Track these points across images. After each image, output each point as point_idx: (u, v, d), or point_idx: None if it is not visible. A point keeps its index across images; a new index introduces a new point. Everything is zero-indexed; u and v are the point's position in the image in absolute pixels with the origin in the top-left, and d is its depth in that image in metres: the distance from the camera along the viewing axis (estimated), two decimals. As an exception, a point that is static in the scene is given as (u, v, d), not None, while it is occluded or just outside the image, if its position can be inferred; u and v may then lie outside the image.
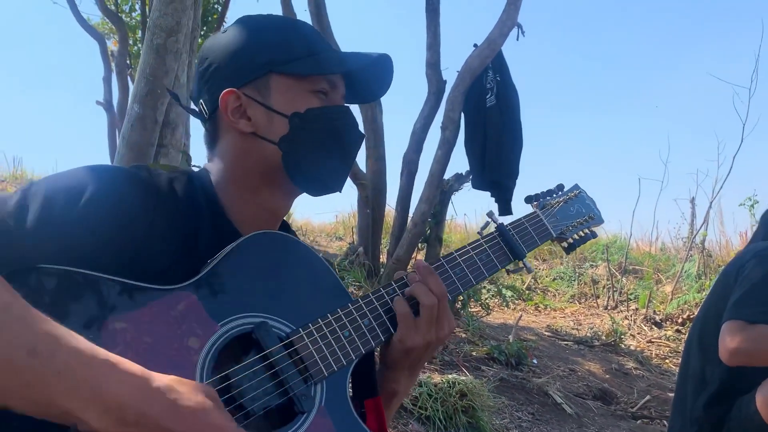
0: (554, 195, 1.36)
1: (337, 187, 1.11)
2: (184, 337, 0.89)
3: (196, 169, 1.13)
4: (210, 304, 0.93)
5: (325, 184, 1.10)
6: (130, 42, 8.21)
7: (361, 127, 1.15)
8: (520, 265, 1.24)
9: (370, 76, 1.13)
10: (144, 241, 0.94)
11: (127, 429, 0.70)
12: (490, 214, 1.27)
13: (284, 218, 1.19)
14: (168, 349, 0.87)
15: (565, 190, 1.39)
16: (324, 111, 1.06)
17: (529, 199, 1.34)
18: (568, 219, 1.33)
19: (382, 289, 1.09)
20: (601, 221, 1.38)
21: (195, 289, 0.93)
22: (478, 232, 1.24)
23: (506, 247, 1.22)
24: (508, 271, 1.25)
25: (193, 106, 1.14)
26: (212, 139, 1.10)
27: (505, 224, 1.24)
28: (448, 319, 1.09)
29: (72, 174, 0.95)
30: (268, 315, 0.98)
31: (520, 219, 1.28)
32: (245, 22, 1.09)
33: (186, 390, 0.76)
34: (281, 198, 1.10)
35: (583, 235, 1.35)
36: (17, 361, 0.67)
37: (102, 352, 0.73)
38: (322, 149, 1.06)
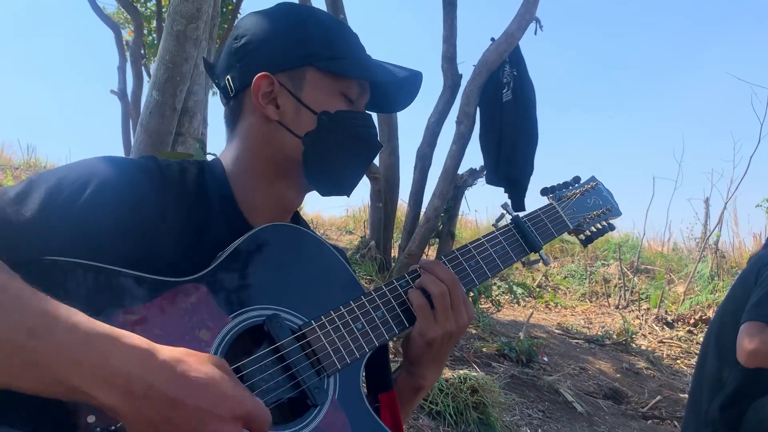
0: (570, 187, 1.34)
1: (348, 191, 1.10)
2: (195, 330, 0.88)
3: (210, 157, 1.12)
4: (220, 296, 0.92)
5: (337, 186, 1.09)
6: (145, 32, 8.20)
7: (375, 121, 1.14)
8: (537, 257, 1.23)
9: (399, 90, 1.13)
10: (153, 233, 0.93)
11: (135, 402, 0.69)
12: (505, 206, 1.25)
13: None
14: (178, 341, 0.85)
15: (581, 182, 1.37)
16: (352, 116, 1.05)
17: (544, 192, 1.32)
18: (585, 211, 1.31)
19: (396, 281, 1.08)
20: (618, 213, 1.36)
21: (205, 281, 0.92)
22: (493, 225, 1.23)
23: (522, 239, 1.20)
24: (524, 264, 1.23)
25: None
26: (234, 118, 1.08)
27: (520, 216, 1.22)
28: (466, 307, 1.07)
29: (78, 165, 0.93)
30: (280, 307, 0.96)
31: (536, 211, 1.26)
32: (291, 9, 1.08)
33: (194, 361, 0.74)
34: (293, 191, 1.08)
35: (600, 227, 1.33)
36: (18, 342, 0.66)
37: (103, 327, 0.71)
38: (343, 152, 1.06)
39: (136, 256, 0.89)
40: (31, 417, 0.74)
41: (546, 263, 1.24)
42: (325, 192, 1.09)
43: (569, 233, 1.30)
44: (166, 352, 0.73)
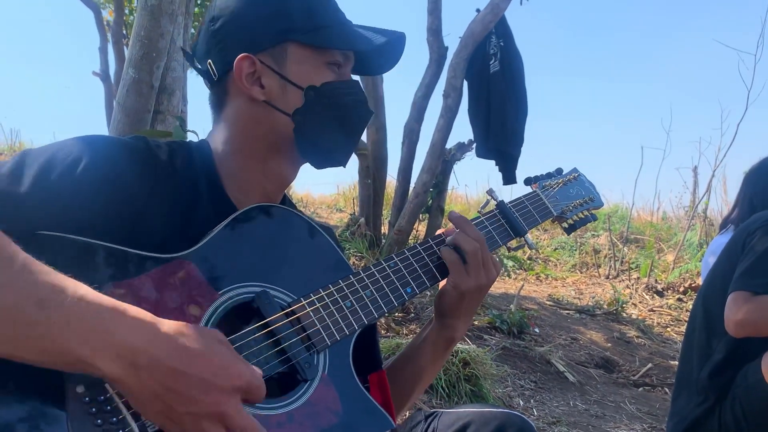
0: (553, 177, 1.38)
1: (343, 161, 1.11)
2: (185, 305, 0.89)
3: (191, 135, 1.11)
4: (209, 272, 0.93)
5: (331, 158, 1.10)
6: (126, 11, 8.06)
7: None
8: (522, 241, 1.26)
9: (382, 54, 1.12)
10: (141, 211, 0.94)
11: (138, 373, 0.72)
12: (490, 192, 1.27)
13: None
14: (168, 315, 0.85)
15: (564, 173, 1.41)
16: (338, 86, 1.04)
17: (528, 181, 1.36)
18: (568, 200, 1.35)
19: (384, 261, 1.09)
20: (600, 204, 1.41)
21: (194, 257, 0.92)
22: (478, 211, 1.25)
23: (507, 224, 1.22)
24: (509, 249, 1.27)
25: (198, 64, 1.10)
26: (219, 103, 1.08)
27: (505, 202, 1.25)
28: (493, 263, 1.12)
29: (70, 143, 0.94)
30: (269, 285, 0.97)
31: (520, 197, 1.29)
32: None
33: (195, 334, 0.77)
34: (287, 167, 1.09)
35: (582, 216, 1.38)
36: (26, 312, 0.68)
37: (109, 300, 0.74)
38: (334, 124, 1.05)
39: (124, 234, 0.90)
40: (20, 388, 0.74)
41: (531, 248, 1.28)
42: (319, 165, 1.11)
43: (553, 221, 1.34)
44: (168, 325, 0.76)
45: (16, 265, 0.69)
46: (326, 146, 1.08)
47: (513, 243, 1.25)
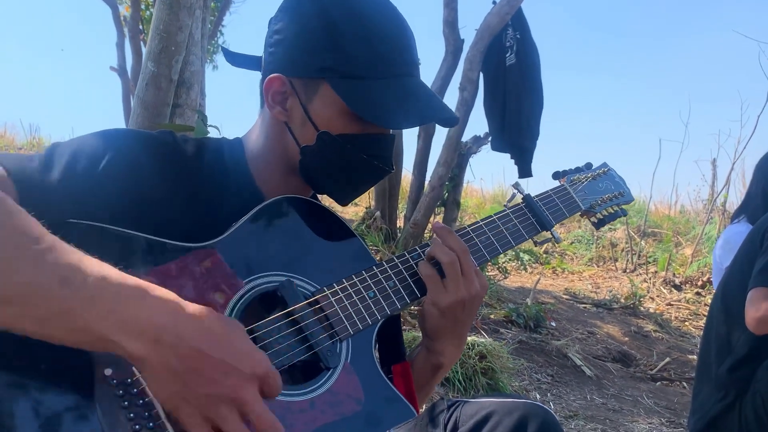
0: (582, 172, 1.36)
1: (341, 203, 1.10)
2: (210, 292, 0.90)
3: (212, 129, 1.12)
4: (235, 261, 0.94)
5: (331, 195, 1.09)
6: (142, 7, 8.12)
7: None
8: (548, 235, 1.24)
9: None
10: (166, 203, 0.96)
11: (161, 350, 0.72)
12: (516, 185, 1.27)
13: None
14: (194, 302, 0.87)
15: (593, 167, 1.39)
16: (356, 140, 1.00)
17: (556, 175, 1.35)
18: (596, 194, 1.34)
19: (407, 253, 1.09)
20: (630, 199, 1.39)
21: (220, 247, 0.95)
22: (504, 205, 1.24)
23: (533, 217, 1.21)
24: (535, 243, 1.25)
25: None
26: (261, 97, 1.07)
27: (532, 195, 1.24)
28: (477, 275, 1.06)
29: (97, 136, 0.97)
30: (293, 274, 0.98)
31: (547, 191, 1.28)
32: (328, 9, 0.98)
33: (218, 318, 0.78)
34: (304, 185, 1.09)
35: (612, 211, 1.36)
36: (50, 290, 0.68)
37: (133, 279, 0.74)
38: (339, 173, 1.04)
39: (149, 225, 0.92)
40: (50, 370, 0.76)
41: (558, 241, 1.25)
42: (320, 193, 1.12)
43: (581, 215, 1.33)
44: (194, 307, 0.76)
45: (43, 244, 0.70)
46: (326, 187, 1.07)
47: (538, 237, 1.23)
